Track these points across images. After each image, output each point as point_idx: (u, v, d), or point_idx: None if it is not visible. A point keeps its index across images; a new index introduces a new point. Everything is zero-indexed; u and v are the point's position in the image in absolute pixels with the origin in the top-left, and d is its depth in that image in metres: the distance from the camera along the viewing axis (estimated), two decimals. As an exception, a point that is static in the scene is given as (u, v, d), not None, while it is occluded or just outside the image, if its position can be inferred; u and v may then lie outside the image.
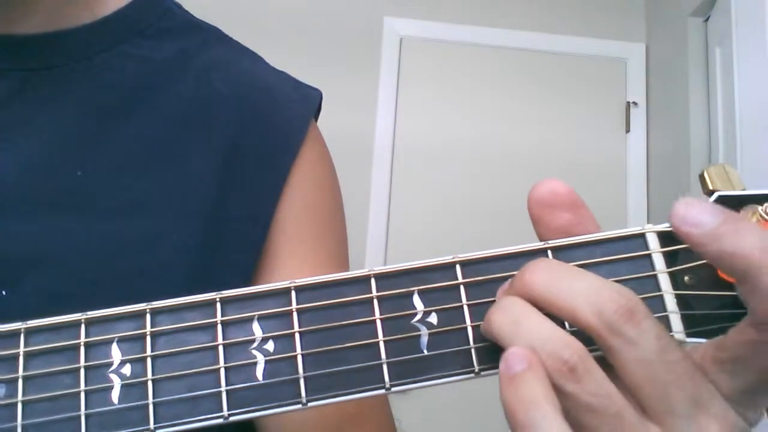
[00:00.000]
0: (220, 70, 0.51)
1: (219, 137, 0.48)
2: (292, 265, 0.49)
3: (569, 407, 0.26)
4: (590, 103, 2.63)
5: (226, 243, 0.47)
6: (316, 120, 0.55)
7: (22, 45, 0.46)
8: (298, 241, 0.50)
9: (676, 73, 2.37)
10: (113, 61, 0.48)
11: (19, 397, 0.29)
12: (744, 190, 0.31)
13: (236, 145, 0.49)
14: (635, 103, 2.62)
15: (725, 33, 2.01)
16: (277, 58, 0.55)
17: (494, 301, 0.30)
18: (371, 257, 2.46)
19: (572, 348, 0.26)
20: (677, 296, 0.30)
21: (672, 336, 0.28)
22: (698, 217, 0.26)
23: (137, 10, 0.50)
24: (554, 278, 0.27)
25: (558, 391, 0.26)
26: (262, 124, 0.50)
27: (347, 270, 0.54)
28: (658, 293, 0.30)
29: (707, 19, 2.24)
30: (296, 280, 0.30)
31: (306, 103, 0.54)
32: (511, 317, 0.28)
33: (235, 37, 0.56)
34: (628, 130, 2.61)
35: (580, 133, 2.60)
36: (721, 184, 0.31)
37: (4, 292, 0.41)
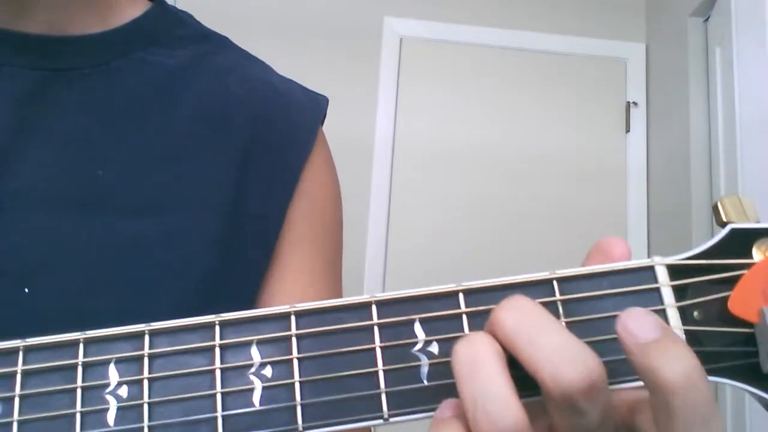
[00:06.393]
0: (234, 73, 0.53)
1: (235, 137, 0.50)
2: (293, 266, 0.50)
3: None
4: (590, 103, 2.63)
5: (244, 240, 0.48)
6: (322, 125, 0.57)
7: (36, 44, 0.46)
8: (300, 243, 0.51)
9: (676, 73, 2.37)
10: (130, 66, 0.49)
11: (15, 416, 0.29)
12: (759, 222, 0.30)
13: (252, 145, 0.50)
14: (635, 103, 2.62)
15: (725, 33, 2.00)
16: (277, 58, 0.57)
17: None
18: (371, 257, 2.45)
19: (513, 417, 0.25)
20: (686, 332, 0.29)
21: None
22: (637, 327, 0.27)
23: (152, 20, 0.52)
24: (523, 325, 0.27)
25: None
26: (276, 126, 0.52)
27: (339, 277, 0.55)
28: None
29: (707, 19, 2.23)
30: (296, 305, 0.30)
31: (315, 107, 0.56)
32: (470, 357, 0.27)
33: (235, 37, 0.57)
34: (628, 130, 2.61)
35: (580, 133, 2.59)
36: (736, 216, 0.30)
37: (26, 290, 0.41)
